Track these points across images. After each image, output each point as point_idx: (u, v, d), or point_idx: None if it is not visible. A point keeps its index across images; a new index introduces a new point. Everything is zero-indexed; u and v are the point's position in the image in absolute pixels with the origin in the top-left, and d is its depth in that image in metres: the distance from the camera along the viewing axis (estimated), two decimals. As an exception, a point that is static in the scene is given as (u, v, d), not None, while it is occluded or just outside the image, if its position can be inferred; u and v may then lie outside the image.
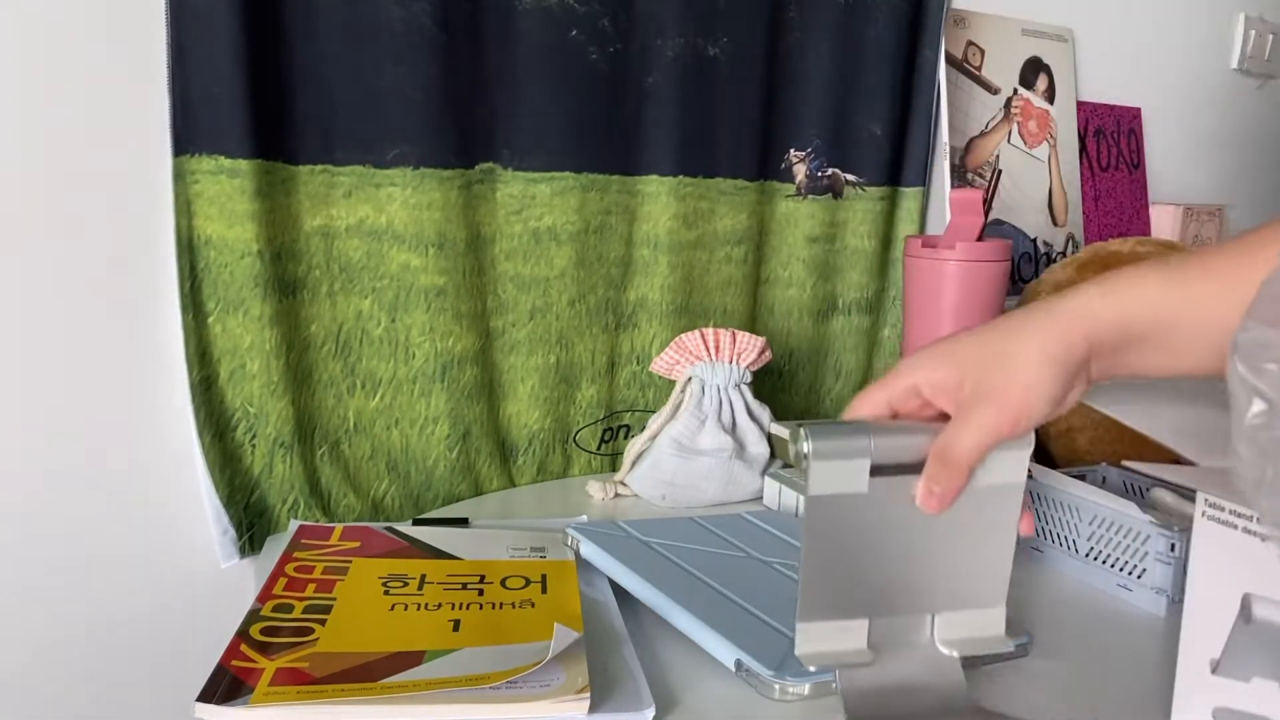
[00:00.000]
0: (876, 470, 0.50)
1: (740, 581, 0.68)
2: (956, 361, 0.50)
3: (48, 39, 0.75)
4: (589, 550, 0.72)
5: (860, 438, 0.49)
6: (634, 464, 0.94)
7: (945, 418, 0.52)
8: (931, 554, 0.53)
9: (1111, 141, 1.47)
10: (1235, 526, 0.48)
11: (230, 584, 0.85)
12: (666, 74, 0.99)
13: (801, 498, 0.88)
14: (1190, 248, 1.06)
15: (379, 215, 0.88)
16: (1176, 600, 0.72)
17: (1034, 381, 0.48)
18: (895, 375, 0.52)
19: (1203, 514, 0.50)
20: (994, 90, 1.30)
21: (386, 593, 0.67)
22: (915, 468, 0.50)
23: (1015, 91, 1.32)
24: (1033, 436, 0.52)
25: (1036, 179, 1.36)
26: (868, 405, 0.53)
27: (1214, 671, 0.50)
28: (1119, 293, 0.49)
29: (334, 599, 0.65)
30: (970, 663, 0.57)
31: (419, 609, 0.65)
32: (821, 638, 0.52)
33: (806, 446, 0.48)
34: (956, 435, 0.49)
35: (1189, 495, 0.77)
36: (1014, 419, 0.48)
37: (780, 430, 0.93)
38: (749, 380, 0.95)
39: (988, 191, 1.30)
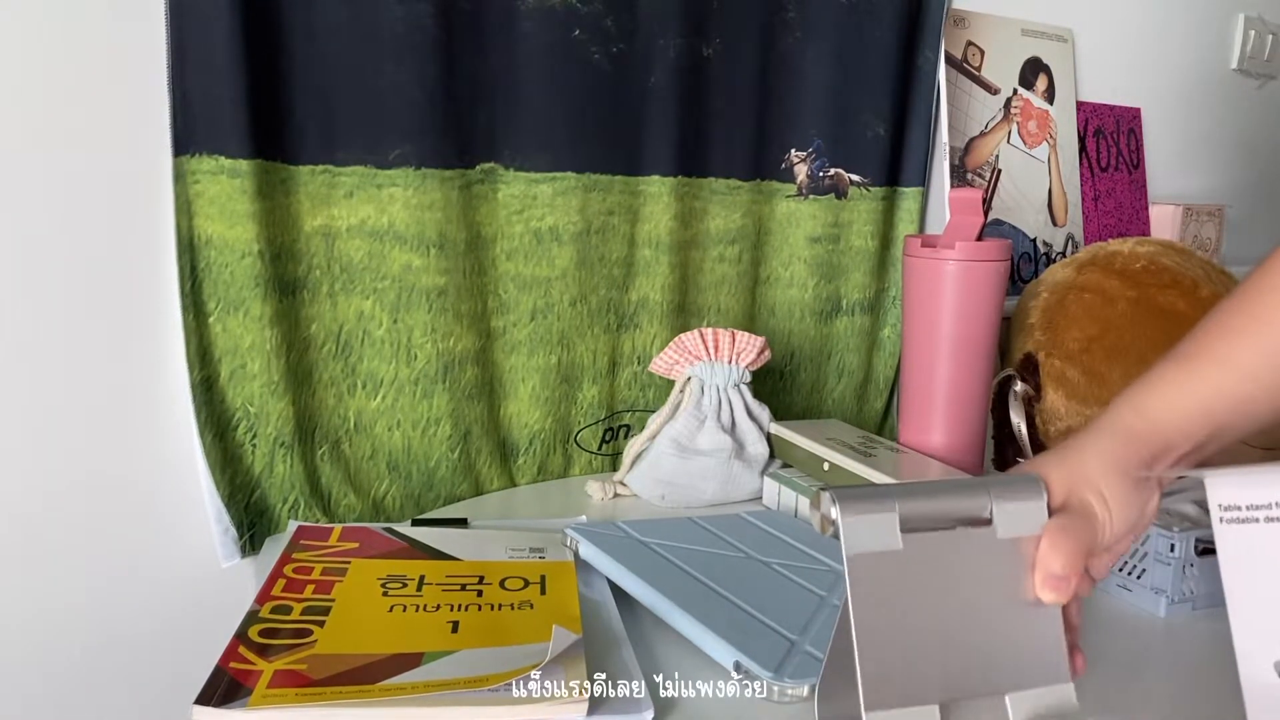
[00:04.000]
0: (911, 527, 0.48)
1: (739, 582, 0.68)
2: (1059, 478, 0.52)
3: (47, 39, 0.75)
4: (588, 551, 0.72)
5: (885, 497, 0.48)
6: (633, 464, 0.94)
7: None
8: (984, 617, 0.50)
9: (1111, 141, 1.47)
10: (1257, 520, 0.46)
11: (230, 584, 0.85)
12: (670, 74, 0.98)
13: (801, 497, 0.89)
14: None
15: (381, 215, 0.88)
16: (1176, 601, 0.72)
17: (1113, 500, 0.51)
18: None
19: (1219, 520, 0.47)
20: (994, 90, 1.30)
21: (385, 594, 0.67)
22: (951, 524, 0.49)
23: (1015, 92, 1.32)
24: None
25: (1036, 179, 1.36)
26: None
27: None
28: (1177, 404, 0.52)
29: (332, 600, 0.65)
30: None
31: (418, 610, 0.65)
32: None
33: (834, 512, 0.47)
34: (1047, 558, 0.51)
35: (1187, 495, 0.77)
36: (1098, 536, 0.51)
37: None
38: (748, 380, 0.96)
39: (987, 191, 1.30)
